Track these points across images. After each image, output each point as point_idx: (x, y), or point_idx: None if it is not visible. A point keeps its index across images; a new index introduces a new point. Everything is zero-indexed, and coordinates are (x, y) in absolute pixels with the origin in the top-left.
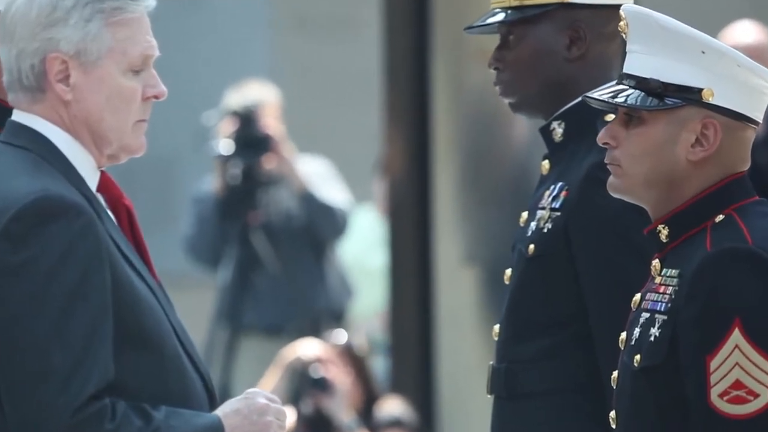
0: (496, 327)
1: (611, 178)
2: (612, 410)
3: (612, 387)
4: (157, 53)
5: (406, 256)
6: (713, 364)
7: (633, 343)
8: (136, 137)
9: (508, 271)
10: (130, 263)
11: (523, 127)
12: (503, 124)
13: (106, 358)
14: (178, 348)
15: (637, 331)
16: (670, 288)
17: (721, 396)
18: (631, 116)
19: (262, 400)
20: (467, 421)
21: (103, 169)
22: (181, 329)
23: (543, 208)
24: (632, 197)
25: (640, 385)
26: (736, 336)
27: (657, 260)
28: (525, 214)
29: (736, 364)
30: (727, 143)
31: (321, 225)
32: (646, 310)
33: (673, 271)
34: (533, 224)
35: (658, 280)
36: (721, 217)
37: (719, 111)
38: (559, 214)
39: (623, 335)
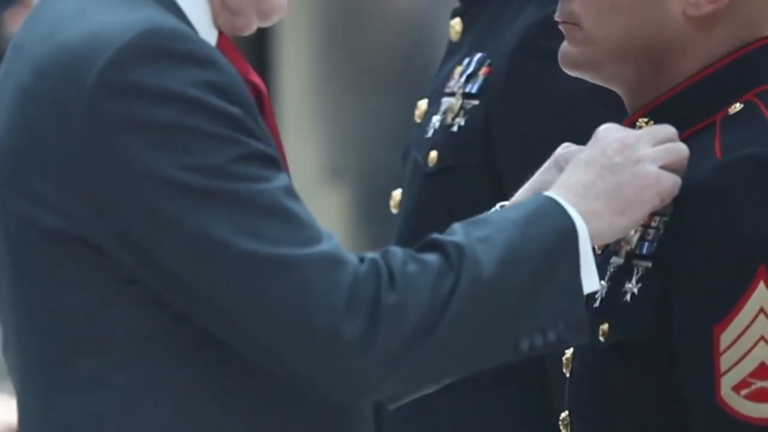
0: None
1: (565, 46)
2: (564, 411)
3: (563, 375)
4: None
5: None
6: (725, 338)
7: (598, 304)
8: None
9: (397, 193)
10: None
11: None
12: None
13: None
14: None
15: (604, 286)
16: (658, 218)
17: (736, 389)
18: None
19: (626, 134)
20: None
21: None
22: None
23: (452, 95)
24: (597, 75)
25: (609, 371)
26: (761, 293)
27: None
28: (423, 105)
29: (761, 338)
30: None
31: None
32: (619, 253)
33: None
34: (436, 120)
35: None
36: (737, 106)
37: None
38: (476, 103)
39: None
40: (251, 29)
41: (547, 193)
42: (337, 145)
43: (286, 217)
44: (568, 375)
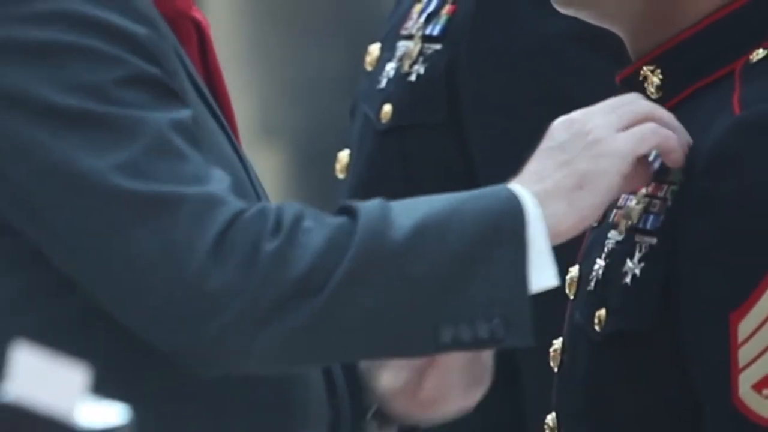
0: None
1: None
2: (551, 412)
3: (549, 368)
4: None
5: None
6: (743, 327)
7: (593, 287)
8: None
9: (344, 155)
10: (209, 107)
11: None
12: None
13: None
14: None
15: (600, 265)
16: (666, 187)
17: (757, 387)
18: None
19: (572, 114)
20: None
21: None
22: None
23: (409, 38)
24: (595, 13)
25: (606, 366)
26: None
27: None
28: (375, 50)
29: None
30: None
31: None
32: (619, 227)
33: None
34: (391, 67)
35: None
36: (760, 52)
37: None
38: (438, 47)
39: (573, 271)
40: None
41: (517, 184)
42: (272, 97)
43: (166, 152)
44: (556, 370)
